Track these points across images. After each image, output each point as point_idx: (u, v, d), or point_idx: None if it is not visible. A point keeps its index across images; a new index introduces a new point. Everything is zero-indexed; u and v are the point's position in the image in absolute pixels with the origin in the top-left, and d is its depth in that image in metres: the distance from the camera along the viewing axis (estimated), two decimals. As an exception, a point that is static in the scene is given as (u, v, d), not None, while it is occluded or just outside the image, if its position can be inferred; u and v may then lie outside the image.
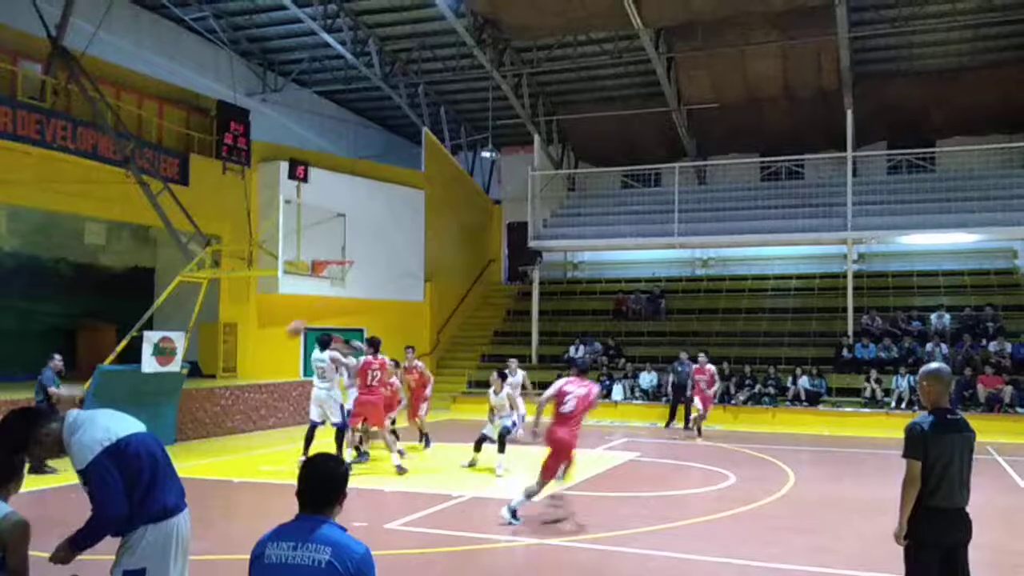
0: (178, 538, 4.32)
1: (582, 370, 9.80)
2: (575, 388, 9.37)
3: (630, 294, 26.20)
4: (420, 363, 15.70)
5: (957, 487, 4.91)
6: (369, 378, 12.41)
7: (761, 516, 9.99)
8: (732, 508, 10.30)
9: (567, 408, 9.25)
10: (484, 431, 13.06)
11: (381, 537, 8.44)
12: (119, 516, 4.15)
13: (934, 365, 5.26)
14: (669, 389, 19.98)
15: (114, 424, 4.31)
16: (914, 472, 4.89)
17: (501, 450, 12.53)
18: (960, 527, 4.94)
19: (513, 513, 9.15)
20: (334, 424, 12.60)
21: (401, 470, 12.22)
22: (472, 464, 12.99)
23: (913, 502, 4.90)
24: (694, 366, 17.85)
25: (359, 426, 12.98)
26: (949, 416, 5.01)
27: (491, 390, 13.21)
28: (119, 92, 17.72)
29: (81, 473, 4.17)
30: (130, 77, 18.42)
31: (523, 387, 14.42)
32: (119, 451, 4.19)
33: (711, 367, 17.62)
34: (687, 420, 18.66)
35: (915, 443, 4.91)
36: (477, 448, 12.96)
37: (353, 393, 12.80)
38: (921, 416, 5.05)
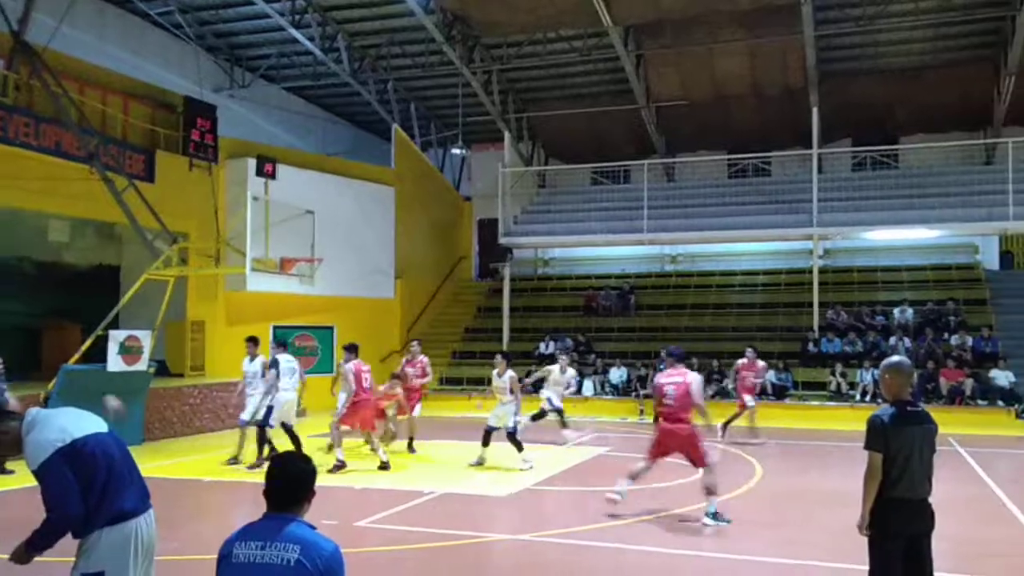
0: (138, 540, 4.27)
1: (679, 358, 9.71)
2: (668, 379, 9.39)
3: (600, 290, 26.33)
4: (424, 357, 15.66)
5: (919, 478, 4.98)
6: (365, 382, 12.46)
7: (729, 509, 10.08)
8: (700, 502, 10.40)
9: (667, 400, 9.25)
10: (489, 423, 12.89)
11: (351, 535, 8.44)
12: (74, 516, 4.11)
13: (895, 358, 5.36)
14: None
15: (71, 424, 4.26)
16: (875, 464, 4.96)
17: (520, 448, 12.57)
18: (922, 517, 5.02)
19: (714, 516, 9.10)
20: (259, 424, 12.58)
21: (386, 466, 12.30)
22: (480, 462, 12.75)
23: (875, 493, 4.98)
24: (740, 362, 16.80)
25: (356, 427, 12.89)
26: (910, 408, 5.09)
27: (495, 372, 13.03)
28: (83, 88, 17.47)
29: (35, 474, 4.14)
30: (94, 72, 18.16)
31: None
32: (74, 452, 4.14)
33: (761, 362, 17.22)
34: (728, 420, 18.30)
35: (876, 435, 4.99)
36: (485, 443, 12.78)
37: (342, 397, 12.87)
38: (882, 409, 5.12)
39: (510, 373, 12.92)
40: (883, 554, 4.98)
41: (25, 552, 4.14)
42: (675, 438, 9.26)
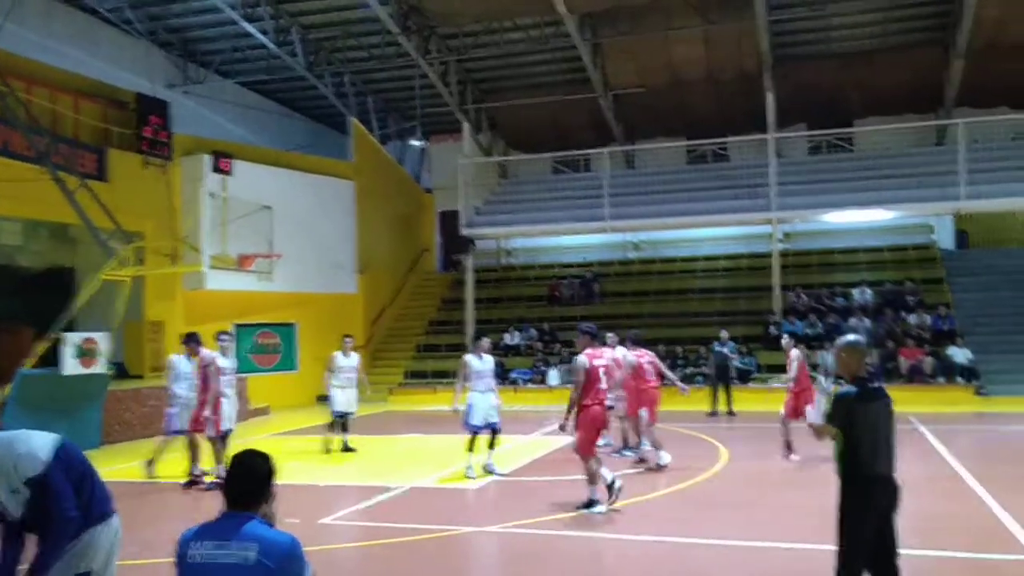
0: (117, 537, 4.39)
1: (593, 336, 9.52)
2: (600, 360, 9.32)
3: (563, 279, 26.37)
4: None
5: (887, 454, 5.06)
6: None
7: (696, 494, 10.17)
8: (668, 487, 10.46)
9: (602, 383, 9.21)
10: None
11: (315, 532, 8.34)
12: (75, 520, 4.16)
13: (850, 336, 5.40)
14: (711, 371, 19.25)
15: (45, 434, 4.33)
16: (825, 432, 5.09)
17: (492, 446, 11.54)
18: (891, 493, 5.07)
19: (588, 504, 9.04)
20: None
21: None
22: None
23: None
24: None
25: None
26: (870, 386, 5.15)
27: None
28: (30, 86, 17.07)
29: (32, 481, 4.11)
30: (42, 70, 17.75)
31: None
32: (66, 454, 4.25)
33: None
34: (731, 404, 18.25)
35: (838, 409, 5.04)
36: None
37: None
38: (845, 387, 5.14)
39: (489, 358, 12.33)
40: (855, 533, 5.00)
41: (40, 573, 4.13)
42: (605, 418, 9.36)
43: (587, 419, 8.95)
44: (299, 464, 12.65)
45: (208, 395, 11.10)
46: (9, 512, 4.17)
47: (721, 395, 18.74)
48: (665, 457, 11.63)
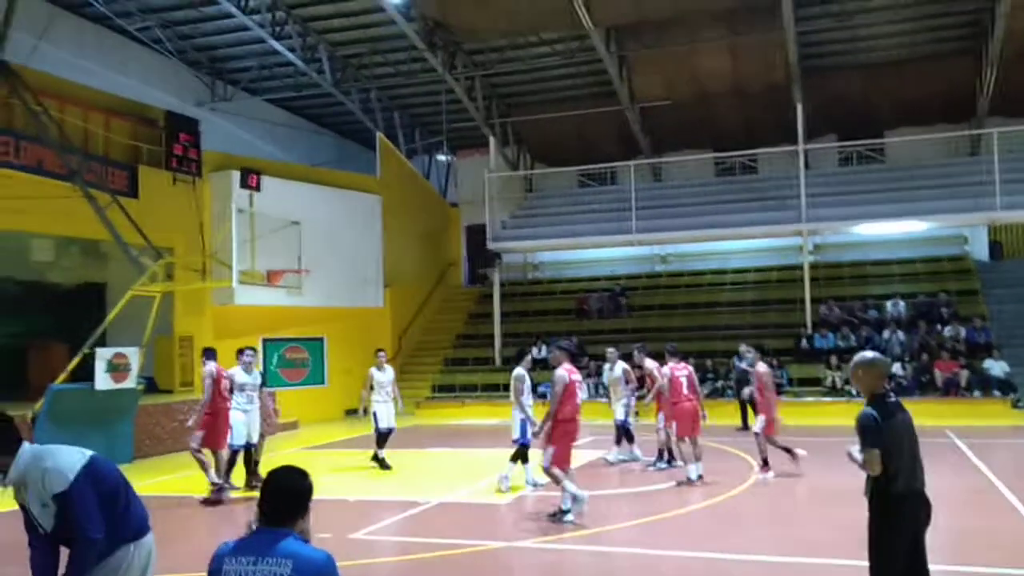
0: (153, 554, 4.35)
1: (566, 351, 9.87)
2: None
3: (591, 292, 26.26)
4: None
5: (914, 469, 4.94)
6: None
7: (727, 508, 10.02)
8: (699, 502, 10.32)
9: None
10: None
11: (346, 547, 8.30)
12: (99, 541, 4.10)
13: (868, 354, 5.25)
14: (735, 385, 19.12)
15: (80, 450, 4.31)
16: (875, 460, 4.86)
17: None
18: (924, 510, 4.94)
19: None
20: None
21: None
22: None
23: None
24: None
25: None
26: (889, 400, 5.02)
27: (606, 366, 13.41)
28: (63, 105, 17.30)
29: (59, 497, 4.09)
30: (74, 90, 18.00)
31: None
32: (96, 469, 4.20)
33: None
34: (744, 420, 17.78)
35: (873, 433, 4.89)
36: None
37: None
38: (867, 408, 5.00)
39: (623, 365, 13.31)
40: (889, 551, 4.87)
41: None
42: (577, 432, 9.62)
43: (561, 434, 9.25)
44: (329, 479, 12.61)
45: (207, 408, 11.22)
46: (42, 526, 4.16)
47: (748, 409, 18.42)
48: (694, 471, 11.54)
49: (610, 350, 14.12)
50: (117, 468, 4.41)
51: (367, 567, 7.78)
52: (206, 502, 10.99)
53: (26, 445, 4.24)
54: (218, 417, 11.26)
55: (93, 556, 4.11)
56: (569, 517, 9.19)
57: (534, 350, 23.37)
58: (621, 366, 13.66)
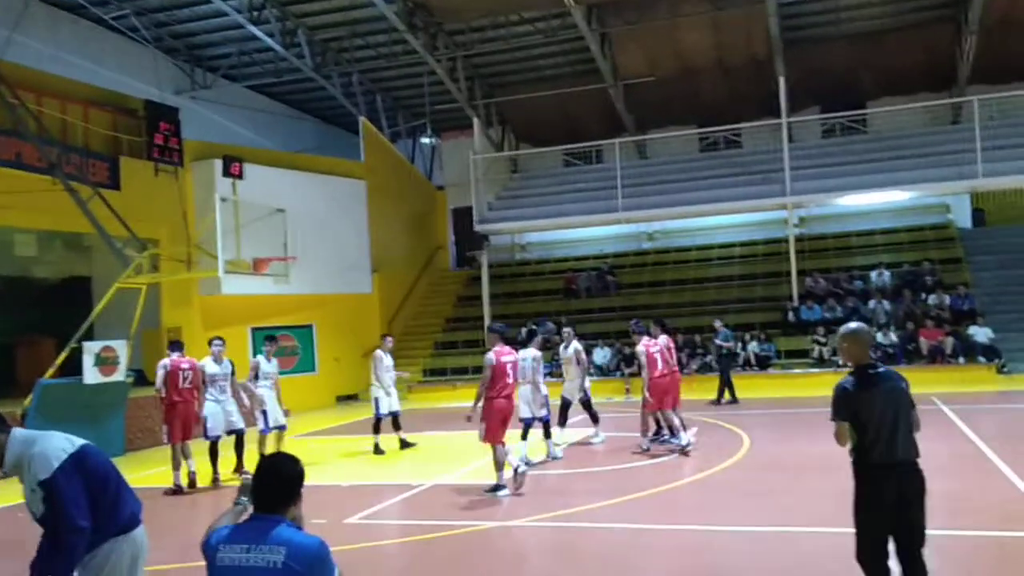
0: (143, 549, 4.27)
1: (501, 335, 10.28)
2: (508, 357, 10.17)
3: (579, 272, 26.30)
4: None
5: (896, 440, 4.87)
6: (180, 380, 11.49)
7: (718, 481, 10.12)
8: (690, 476, 10.41)
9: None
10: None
11: (342, 532, 8.35)
12: (85, 530, 4.02)
13: (852, 325, 5.26)
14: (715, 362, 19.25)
15: (69, 437, 4.23)
16: (842, 432, 4.95)
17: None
18: (907, 481, 4.89)
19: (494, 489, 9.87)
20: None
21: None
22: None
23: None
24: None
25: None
26: (871, 371, 5.01)
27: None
28: (40, 97, 17.11)
29: (44, 484, 4.01)
30: (51, 81, 17.81)
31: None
32: (85, 457, 4.13)
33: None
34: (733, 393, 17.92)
35: (841, 404, 4.96)
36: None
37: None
38: (845, 377, 5.06)
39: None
40: (869, 521, 4.92)
41: None
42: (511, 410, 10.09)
43: (491, 410, 9.77)
44: (322, 465, 12.65)
45: (164, 402, 11.47)
46: (32, 511, 4.11)
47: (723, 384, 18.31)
48: (684, 438, 11.94)
49: (566, 329, 14.06)
50: (109, 459, 4.33)
51: (363, 551, 7.82)
52: (167, 492, 11.11)
53: (17, 431, 4.18)
54: (173, 410, 11.35)
55: (82, 546, 4.02)
56: (503, 492, 9.70)
57: (523, 331, 23.43)
58: (574, 346, 13.55)
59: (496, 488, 9.77)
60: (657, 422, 12.96)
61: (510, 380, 9.97)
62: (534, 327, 13.34)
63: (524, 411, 11.59)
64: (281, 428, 12.40)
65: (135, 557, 4.23)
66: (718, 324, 19.14)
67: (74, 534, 3.98)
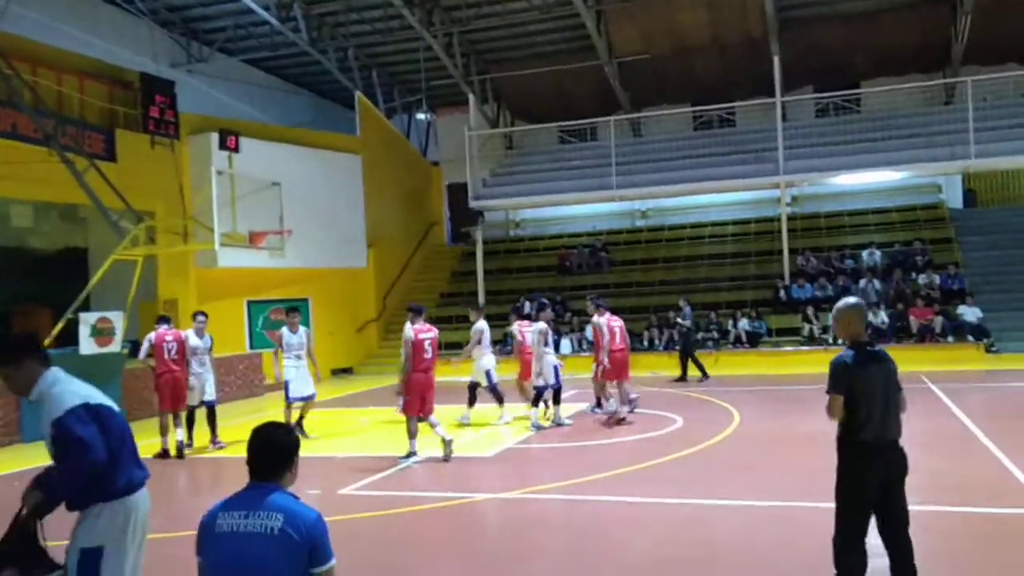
0: (137, 516, 4.24)
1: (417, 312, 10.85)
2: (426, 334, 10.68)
3: (573, 249, 26.41)
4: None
5: (887, 419, 4.91)
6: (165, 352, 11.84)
7: (709, 456, 10.29)
8: (681, 450, 10.59)
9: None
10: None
11: (336, 503, 8.51)
12: (100, 462, 4.01)
13: (850, 299, 5.22)
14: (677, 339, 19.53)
15: (96, 390, 4.29)
16: (836, 406, 4.89)
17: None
18: (894, 460, 4.93)
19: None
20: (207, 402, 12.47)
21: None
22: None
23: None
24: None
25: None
26: (869, 348, 5.02)
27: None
28: (35, 68, 17.10)
29: (57, 422, 4.04)
30: (46, 52, 17.77)
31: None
32: (99, 411, 4.15)
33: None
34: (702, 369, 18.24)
35: (840, 377, 4.91)
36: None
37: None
38: (843, 352, 5.03)
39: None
40: (854, 497, 4.90)
41: (43, 499, 4.00)
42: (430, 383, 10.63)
43: (410, 384, 10.36)
44: (316, 438, 12.80)
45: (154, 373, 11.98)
46: (49, 452, 4.12)
47: (689, 362, 18.57)
48: (625, 410, 13.10)
49: (474, 309, 14.50)
50: (127, 425, 4.34)
51: (357, 521, 7.99)
52: (155, 456, 11.45)
53: (55, 370, 4.23)
54: (160, 380, 11.88)
55: (84, 474, 3.97)
56: (411, 461, 10.42)
57: (526, 304, 23.61)
58: (477, 326, 13.70)
59: (408, 455, 10.46)
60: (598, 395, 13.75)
61: (428, 355, 10.46)
62: (544, 301, 13.84)
63: (538, 380, 12.63)
64: (305, 399, 12.72)
65: (124, 523, 4.17)
66: (682, 303, 19.37)
67: (83, 463, 3.96)
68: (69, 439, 4.01)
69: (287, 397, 12.63)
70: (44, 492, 4.03)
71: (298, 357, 12.71)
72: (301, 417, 12.76)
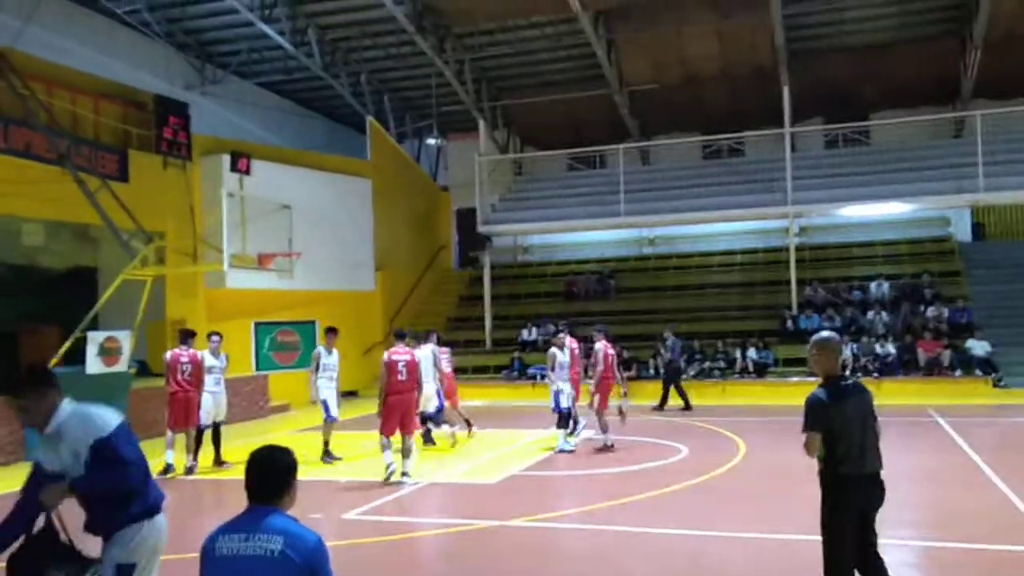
0: (161, 536, 4.34)
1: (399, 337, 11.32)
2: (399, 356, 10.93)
3: (580, 275, 26.44)
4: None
5: (865, 452, 4.96)
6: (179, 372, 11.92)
7: (714, 487, 10.23)
8: (685, 480, 10.53)
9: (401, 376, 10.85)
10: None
11: (338, 528, 8.49)
12: (139, 482, 4.17)
13: (824, 334, 5.27)
14: (661, 368, 19.39)
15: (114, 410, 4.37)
16: (814, 444, 4.94)
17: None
18: (873, 491, 5.00)
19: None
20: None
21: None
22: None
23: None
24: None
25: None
26: (843, 383, 5.06)
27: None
28: (51, 88, 17.28)
29: (101, 443, 4.08)
30: (62, 73, 17.96)
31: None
32: (129, 430, 4.26)
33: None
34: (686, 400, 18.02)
35: (817, 416, 4.95)
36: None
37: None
38: (817, 389, 5.07)
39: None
40: (838, 531, 4.95)
41: (67, 490, 4.09)
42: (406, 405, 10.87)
43: (386, 406, 10.72)
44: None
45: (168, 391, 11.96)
46: (69, 474, 4.12)
47: (672, 391, 18.35)
48: (610, 439, 13.06)
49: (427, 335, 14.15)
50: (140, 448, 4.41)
51: (360, 547, 7.96)
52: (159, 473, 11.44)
53: (66, 401, 4.29)
54: (172, 399, 11.96)
55: (129, 486, 4.13)
56: (391, 468, 10.65)
57: (524, 332, 23.66)
58: (427, 347, 13.54)
59: (388, 467, 10.68)
60: (575, 419, 13.71)
61: (401, 378, 10.73)
62: (564, 325, 14.11)
63: (553, 403, 12.99)
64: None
65: (156, 541, 4.28)
66: (667, 332, 19.29)
67: (131, 483, 4.12)
68: (116, 458, 4.11)
69: (328, 417, 12.71)
70: (72, 487, 4.09)
71: (331, 379, 12.88)
72: (326, 442, 12.74)
